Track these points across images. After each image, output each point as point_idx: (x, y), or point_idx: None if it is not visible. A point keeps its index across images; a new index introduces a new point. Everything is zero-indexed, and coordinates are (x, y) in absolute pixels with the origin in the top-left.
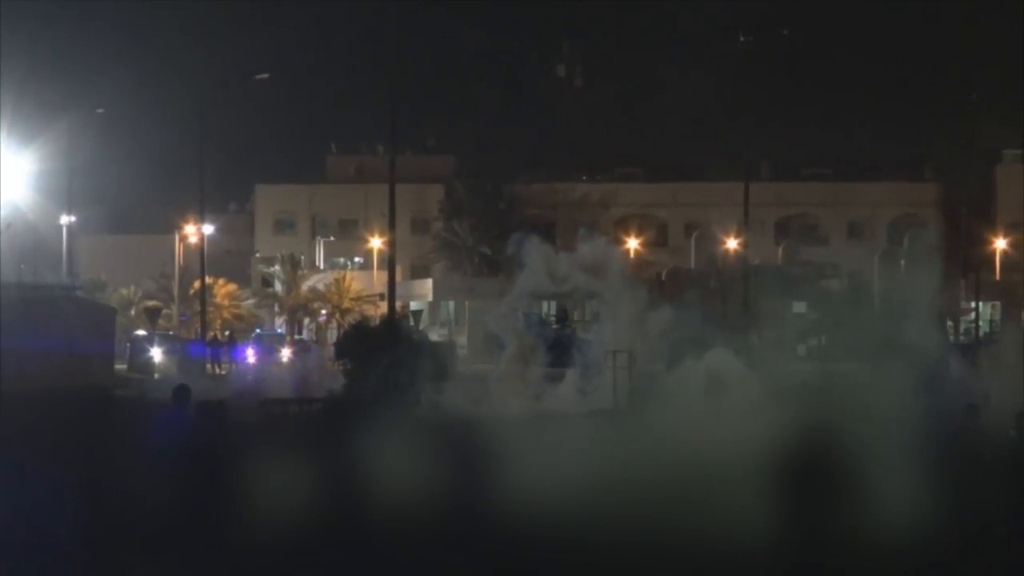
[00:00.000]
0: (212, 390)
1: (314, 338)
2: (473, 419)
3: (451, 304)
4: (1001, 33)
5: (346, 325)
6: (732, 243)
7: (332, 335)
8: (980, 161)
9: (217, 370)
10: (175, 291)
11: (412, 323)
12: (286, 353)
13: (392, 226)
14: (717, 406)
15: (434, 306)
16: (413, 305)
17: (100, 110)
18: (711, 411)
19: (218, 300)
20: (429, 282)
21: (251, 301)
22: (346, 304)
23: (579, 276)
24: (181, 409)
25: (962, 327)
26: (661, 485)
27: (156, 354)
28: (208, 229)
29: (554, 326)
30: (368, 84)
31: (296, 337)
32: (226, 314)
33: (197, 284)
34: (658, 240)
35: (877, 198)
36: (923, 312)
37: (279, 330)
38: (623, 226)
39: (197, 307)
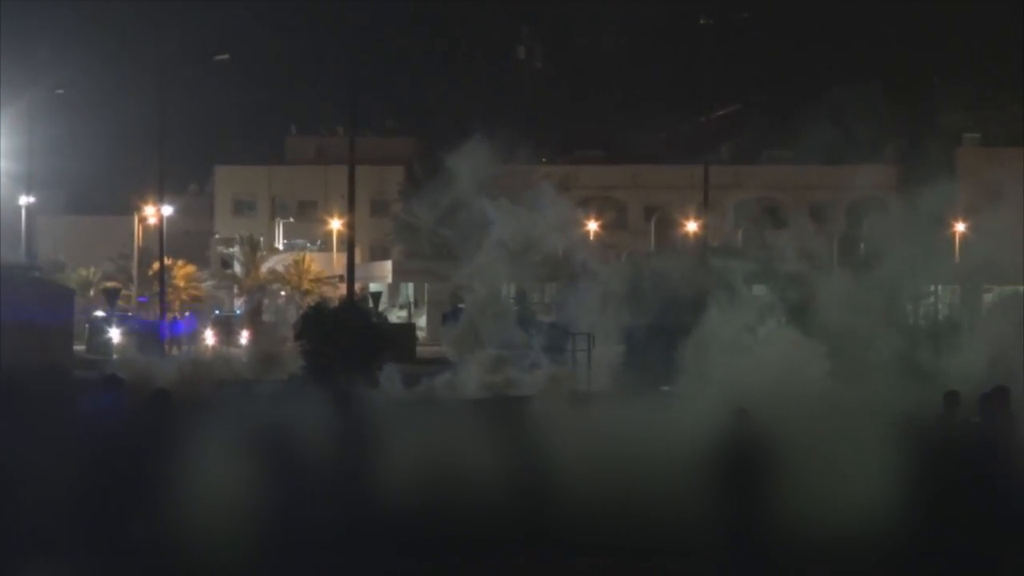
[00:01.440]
0: (165, 372)
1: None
2: (429, 400)
3: (410, 286)
4: (960, 16)
5: (305, 307)
6: (692, 226)
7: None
8: (940, 145)
9: (176, 351)
10: (134, 272)
11: (371, 305)
12: (246, 334)
13: (352, 208)
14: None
15: (393, 288)
16: (372, 287)
17: (60, 91)
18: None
19: (177, 281)
20: (388, 264)
21: (210, 282)
22: (305, 286)
23: (551, 238)
24: (114, 399)
25: (921, 310)
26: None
27: (115, 335)
28: (167, 210)
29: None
30: (328, 65)
31: (218, 313)
32: (185, 295)
33: (156, 265)
34: (618, 223)
35: (837, 181)
36: (883, 295)
37: (238, 311)
38: (583, 208)
39: (156, 288)
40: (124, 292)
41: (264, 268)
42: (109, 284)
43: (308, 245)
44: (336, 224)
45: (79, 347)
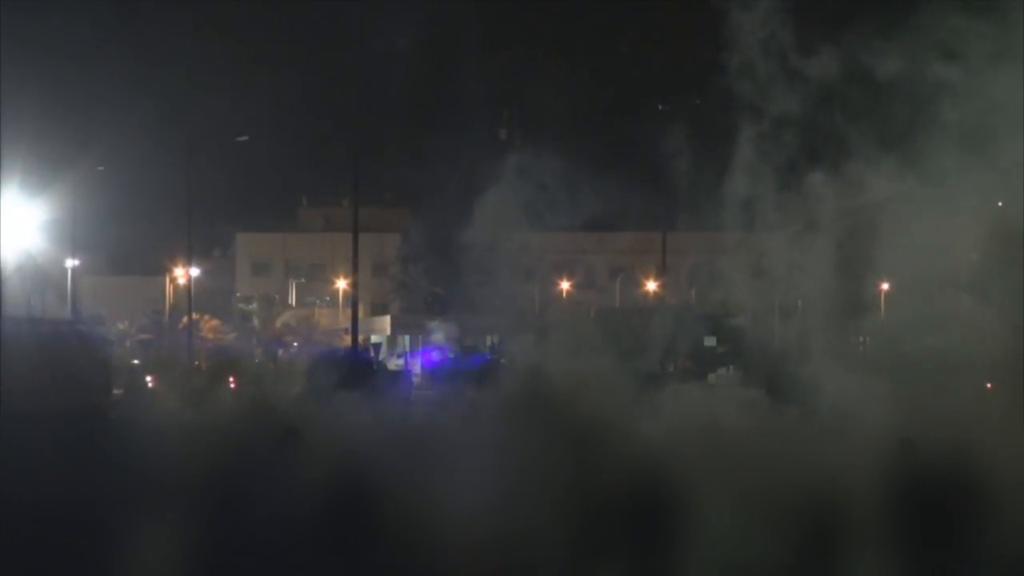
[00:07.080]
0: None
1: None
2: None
3: (407, 337)
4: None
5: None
6: (651, 285)
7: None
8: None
9: None
10: (165, 326)
11: (372, 354)
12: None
13: (355, 270)
14: None
15: (392, 339)
16: (373, 338)
17: (100, 167)
18: None
19: (203, 333)
20: (387, 318)
21: (232, 335)
22: (315, 337)
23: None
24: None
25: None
26: None
27: (149, 380)
28: (195, 272)
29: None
30: (334, 146)
31: None
32: (210, 345)
33: (185, 319)
34: (586, 282)
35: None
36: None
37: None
38: (556, 270)
39: (185, 340)
40: (157, 343)
41: (279, 322)
42: (143, 336)
43: (317, 302)
44: (342, 284)
45: (118, 391)
